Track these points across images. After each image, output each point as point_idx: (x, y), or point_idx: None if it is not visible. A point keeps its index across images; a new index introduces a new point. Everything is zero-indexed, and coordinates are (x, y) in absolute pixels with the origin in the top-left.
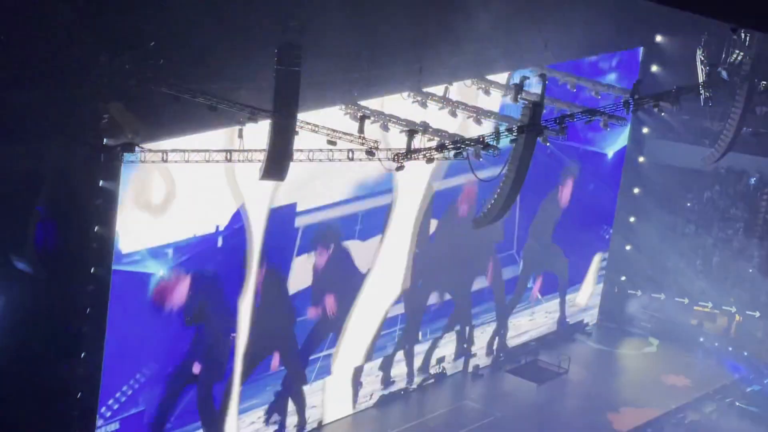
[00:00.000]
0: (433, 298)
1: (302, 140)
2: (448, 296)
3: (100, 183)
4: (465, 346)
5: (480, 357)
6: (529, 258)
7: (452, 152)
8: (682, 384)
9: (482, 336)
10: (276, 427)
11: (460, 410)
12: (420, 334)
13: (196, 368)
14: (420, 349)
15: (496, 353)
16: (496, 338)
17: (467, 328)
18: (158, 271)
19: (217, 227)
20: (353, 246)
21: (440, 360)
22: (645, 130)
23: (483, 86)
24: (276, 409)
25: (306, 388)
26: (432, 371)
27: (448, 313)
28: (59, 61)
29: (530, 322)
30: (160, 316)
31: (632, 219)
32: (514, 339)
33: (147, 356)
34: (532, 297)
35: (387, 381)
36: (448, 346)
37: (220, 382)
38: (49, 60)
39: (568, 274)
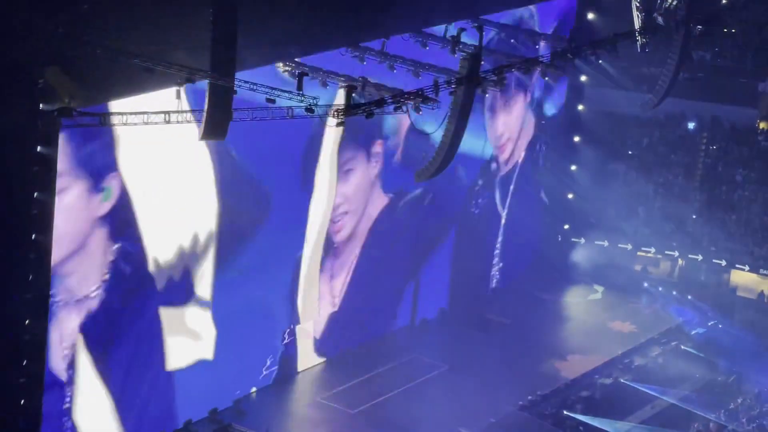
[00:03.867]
0: None
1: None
2: None
3: (38, 149)
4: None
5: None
6: None
7: (392, 106)
8: (628, 329)
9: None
10: None
11: (409, 364)
12: None
13: None
14: None
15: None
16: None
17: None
18: None
19: None
20: None
21: None
22: (583, 78)
23: (420, 39)
24: None
25: None
26: None
27: None
28: None
29: None
30: None
31: (573, 167)
32: None
33: None
34: None
35: None
36: None
37: None
38: None
39: None
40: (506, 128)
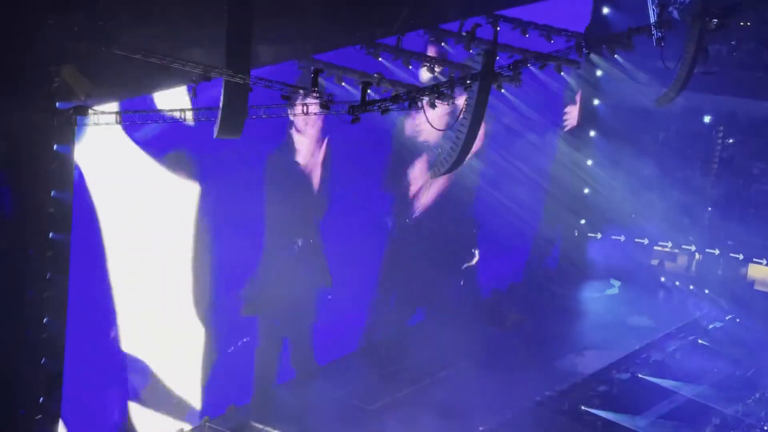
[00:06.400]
0: None
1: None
2: None
3: (54, 147)
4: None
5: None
6: None
7: (407, 102)
8: (645, 324)
9: None
10: None
11: (423, 360)
12: None
13: None
14: None
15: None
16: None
17: None
18: None
19: None
20: None
21: None
22: (599, 72)
23: (435, 36)
24: None
25: None
26: None
27: None
28: (7, 25)
29: None
30: None
31: (589, 162)
32: None
33: None
34: None
35: None
36: None
37: None
38: None
39: None
40: None
